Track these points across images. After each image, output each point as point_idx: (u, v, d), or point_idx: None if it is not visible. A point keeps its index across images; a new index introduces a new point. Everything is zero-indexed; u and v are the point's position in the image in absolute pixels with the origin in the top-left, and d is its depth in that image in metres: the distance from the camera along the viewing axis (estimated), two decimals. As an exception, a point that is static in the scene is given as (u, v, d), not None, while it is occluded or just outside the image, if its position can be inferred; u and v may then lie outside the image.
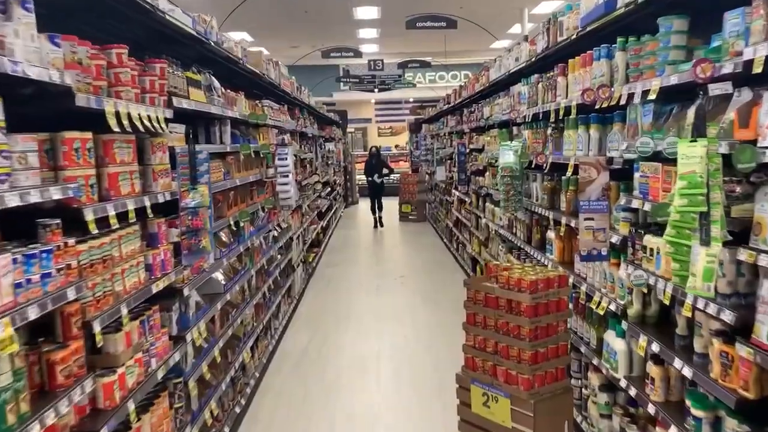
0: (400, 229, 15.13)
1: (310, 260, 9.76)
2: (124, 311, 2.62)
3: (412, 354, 6.08)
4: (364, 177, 15.37)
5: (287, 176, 6.28)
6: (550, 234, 4.78)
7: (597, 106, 3.62)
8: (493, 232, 7.03)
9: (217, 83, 4.40)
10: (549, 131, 4.80)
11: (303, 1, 13.06)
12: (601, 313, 3.69)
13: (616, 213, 3.54)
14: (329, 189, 13.63)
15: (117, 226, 2.61)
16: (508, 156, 5.31)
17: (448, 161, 11.19)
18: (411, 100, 23.93)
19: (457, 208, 10.19)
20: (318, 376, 5.60)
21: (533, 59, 5.31)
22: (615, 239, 3.48)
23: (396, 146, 25.72)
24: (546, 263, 4.88)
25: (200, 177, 3.29)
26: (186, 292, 3.44)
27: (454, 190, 10.40)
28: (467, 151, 8.66)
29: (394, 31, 17.52)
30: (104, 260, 2.54)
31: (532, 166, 5.08)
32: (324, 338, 6.64)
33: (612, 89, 3.43)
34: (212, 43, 4.30)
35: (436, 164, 12.10)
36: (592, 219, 3.43)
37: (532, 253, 5.36)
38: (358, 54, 13.22)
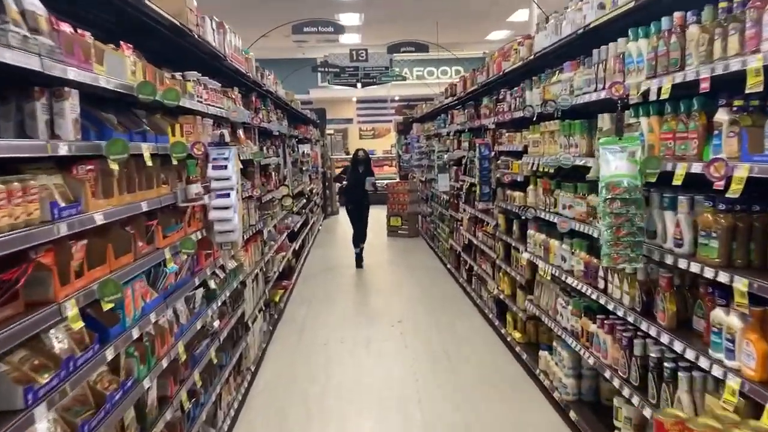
0: (389, 246, 12.69)
1: (277, 300, 7.31)
2: None
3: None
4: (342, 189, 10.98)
5: (228, 195, 3.84)
6: (730, 319, 2.42)
7: None
8: (547, 275, 4.66)
9: (33, 3, 1.97)
10: (726, 116, 2.45)
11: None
12: None
13: None
14: (304, 200, 11.17)
15: None
16: (618, 163, 2.94)
17: (455, 168, 8.82)
18: (396, 98, 21.51)
19: (469, 229, 7.82)
20: None
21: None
22: None
23: (383, 151, 23.36)
24: (714, 371, 2.52)
25: None
26: None
27: (465, 206, 8.03)
28: (492, 154, 6.29)
29: (380, 16, 15.16)
30: None
31: (673, 182, 2.72)
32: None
33: None
34: None
35: (438, 171, 9.71)
36: None
37: (657, 336, 3.00)
38: (339, 29, 10.74)
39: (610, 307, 3.51)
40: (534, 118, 4.78)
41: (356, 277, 9.82)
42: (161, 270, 3.09)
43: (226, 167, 3.83)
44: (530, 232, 5.03)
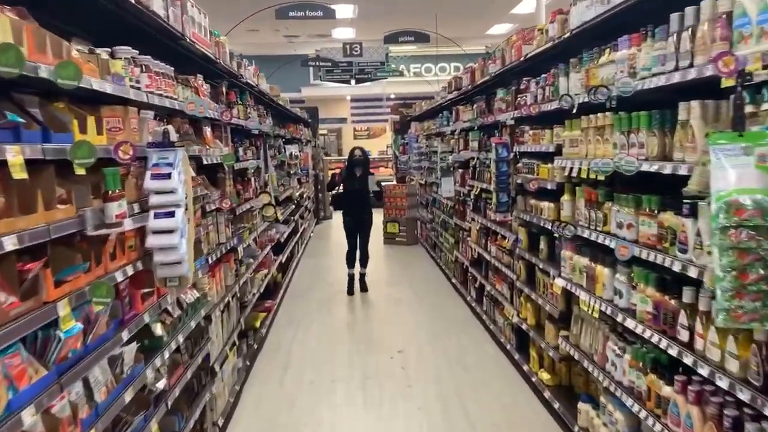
0: (386, 255, 11.66)
1: (257, 325, 6.29)
2: None
3: None
4: (338, 193, 8.65)
5: (172, 214, 2.84)
6: None
7: None
8: (593, 311, 3.65)
9: None
10: None
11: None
12: None
13: None
14: (293, 206, 10.15)
15: None
16: (742, 172, 1.95)
17: (461, 170, 7.82)
18: (392, 96, 20.50)
19: (479, 242, 6.83)
20: None
21: None
22: None
23: (379, 152, 22.35)
24: None
25: None
26: None
27: (473, 214, 7.03)
28: (510, 156, 5.29)
29: (375, 9, 14.15)
30: None
31: None
32: None
33: None
34: None
35: (441, 174, 8.71)
36: None
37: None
38: (329, 13, 9.68)
39: (703, 372, 2.51)
40: (573, 111, 3.78)
41: (350, 293, 8.78)
42: (54, 334, 2.07)
43: (169, 176, 2.82)
44: (566, 253, 4.03)
